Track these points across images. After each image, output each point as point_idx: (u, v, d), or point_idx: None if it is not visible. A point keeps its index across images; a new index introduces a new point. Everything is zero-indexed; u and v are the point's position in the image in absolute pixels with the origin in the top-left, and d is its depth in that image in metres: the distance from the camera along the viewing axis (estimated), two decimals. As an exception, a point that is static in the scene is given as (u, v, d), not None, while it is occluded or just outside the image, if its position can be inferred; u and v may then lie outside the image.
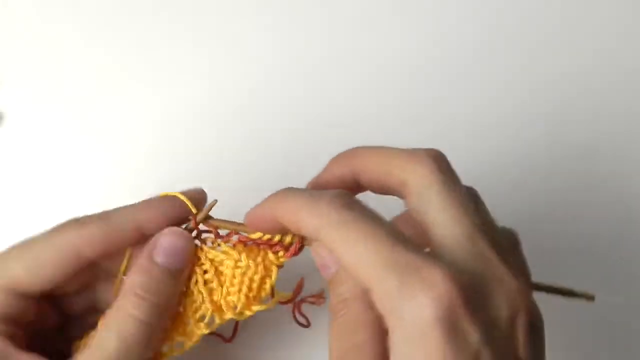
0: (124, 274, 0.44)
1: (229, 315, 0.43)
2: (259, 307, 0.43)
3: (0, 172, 0.60)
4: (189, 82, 0.64)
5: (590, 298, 0.42)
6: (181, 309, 0.43)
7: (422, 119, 0.64)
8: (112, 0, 0.66)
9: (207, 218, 0.44)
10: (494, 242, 0.37)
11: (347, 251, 0.36)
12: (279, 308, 0.44)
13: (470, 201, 0.39)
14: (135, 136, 0.61)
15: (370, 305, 0.37)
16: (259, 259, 0.43)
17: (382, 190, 0.41)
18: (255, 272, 0.42)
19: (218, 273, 0.43)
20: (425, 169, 0.38)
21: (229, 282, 0.43)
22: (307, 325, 0.45)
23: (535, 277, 0.42)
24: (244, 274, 0.42)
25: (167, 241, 0.42)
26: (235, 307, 0.42)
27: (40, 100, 0.62)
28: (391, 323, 0.34)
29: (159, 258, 0.42)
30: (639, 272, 0.60)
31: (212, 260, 0.43)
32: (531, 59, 0.67)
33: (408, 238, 0.36)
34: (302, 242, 0.43)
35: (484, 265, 0.36)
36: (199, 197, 0.45)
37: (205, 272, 0.43)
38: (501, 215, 0.60)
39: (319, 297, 0.44)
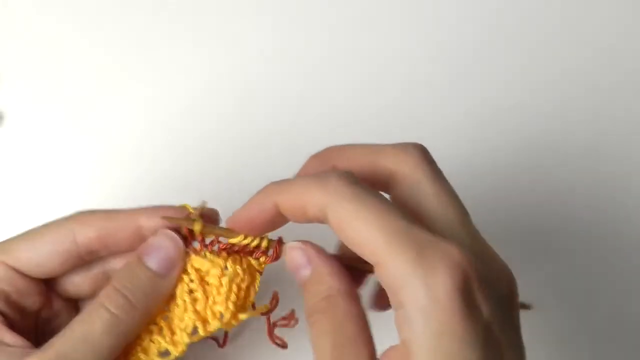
0: None
1: (214, 325, 0.42)
2: (245, 315, 0.42)
3: (0, 172, 0.59)
4: (189, 82, 0.64)
5: (527, 307, 0.43)
6: (170, 316, 0.43)
7: (422, 119, 0.64)
8: (112, 0, 0.66)
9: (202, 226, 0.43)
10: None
11: (359, 224, 0.36)
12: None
13: (454, 189, 0.41)
14: (135, 136, 0.61)
15: (355, 299, 0.38)
16: (245, 266, 0.42)
17: (368, 184, 0.41)
18: (242, 280, 0.42)
19: (203, 283, 0.42)
20: (414, 160, 0.40)
21: (216, 291, 0.42)
22: (285, 346, 0.44)
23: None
24: (231, 281, 0.42)
25: (158, 243, 0.42)
26: (222, 317, 0.42)
27: (40, 100, 0.62)
28: (404, 295, 0.34)
29: (146, 258, 0.42)
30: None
31: (197, 270, 0.42)
32: (531, 58, 0.67)
33: (417, 218, 0.37)
34: (280, 244, 0.42)
35: (479, 245, 0.38)
36: (212, 216, 0.44)
37: (190, 281, 0.42)
38: (501, 212, 0.61)
39: (291, 319, 0.44)
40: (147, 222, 0.43)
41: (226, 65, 0.65)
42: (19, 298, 0.43)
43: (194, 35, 0.66)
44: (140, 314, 0.41)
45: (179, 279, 0.42)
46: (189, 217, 0.43)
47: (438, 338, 0.33)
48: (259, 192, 0.40)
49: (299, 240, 0.41)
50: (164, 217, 0.43)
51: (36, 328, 0.44)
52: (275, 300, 0.44)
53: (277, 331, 0.44)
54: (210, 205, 0.44)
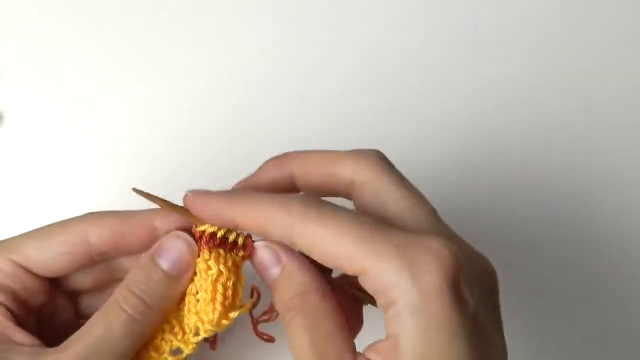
0: None
1: (209, 326, 0.42)
2: (233, 313, 0.42)
3: (1, 172, 0.59)
4: (189, 81, 0.64)
5: None
6: (181, 315, 0.43)
7: (423, 119, 0.64)
8: (112, 1, 0.66)
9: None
10: None
11: (332, 241, 0.36)
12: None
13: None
14: (135, 136, 0.61)
15: (327, 295, 0.38)
16: (229, 263, 0.41)
17: (325, 191, 0.42)
18: (228, 278, 0.41)
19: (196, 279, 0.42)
20: (374, 166, 0.40)
21: (204, 292, 0.41)
22: (272, 340, 0.44)
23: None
24: (215, 281, 0.41)
25: (171, 244, 0.42)
26: (212, 320, 0.41)
27: (40, 100, 0.62)
28: (391, 297, 0.35)
29: (160, 260, 0.42)
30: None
31: (199, 270, 0.42)
32: (531, 58, 0.67)
33: (387, 222, 0.37)
34: (252, 241, 0.42)
35: (453, 241, 0.37)
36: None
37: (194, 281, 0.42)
38: (501, 213, 0.61)
39: (271, 312, 0.43)
40: (162, 224, 0.43)
41: (226, 65, 0.65)
42: (26, 295, 0.43)
43: (194, 35, 0.66)
44: (156, 315, 0.42)
45: (191, 280, 0.42)
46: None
47: (428, 331, 0.34)
48: (220, 198, 0.40)
49: (264, 240, 0.41)
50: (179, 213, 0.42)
51: (37, 323, 0.44)
52: (257, 294, 0.43)
53: (262, 327, 0.44)
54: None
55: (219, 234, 0.41)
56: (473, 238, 0.41)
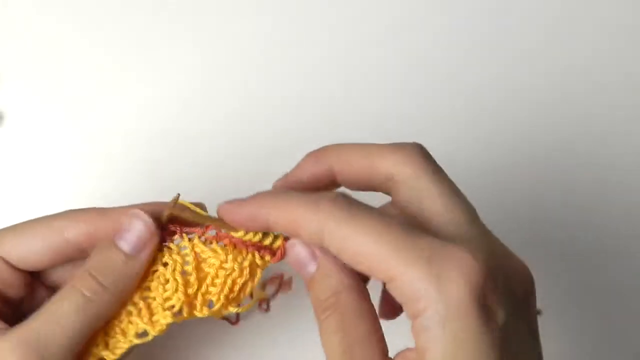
0: None
1: (200, 312, 0.42)
2: (235, 308, 0.42)
3: (1, 172, 0.60)
4: (189, 82, 0.64)
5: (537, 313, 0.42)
6: (151, 296, 0.43)
7: (424, 118, 0.64)
8: (115, 3, 0.66)
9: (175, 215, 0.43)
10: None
11: (360, 247, 0.35)
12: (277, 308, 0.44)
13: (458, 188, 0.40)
14: (136, 136, 0.61)
15: (364, 295, 0.37)
16: (245, 263, 0.42)
17: (363, 186, 0.41)
18: (240, 276, 0.42)
19: (199, 269, 0.42)
20: (413, 161, 0.39)
21: (211, 281, 0.42)
22: (267, 309, 0.45)
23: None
24: (227, 275, 0.42)
25: (128, 224, 0.42)
26: (212, 305, 0.42)
27: (40, 100, 0.62)
28: (419, 308, 0.34)
29: (118, 240, 0.42)
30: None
31: (197, 254, 0.42)
32: (531, 58, 0.67)
33: (418, 226, 0.36)
34: (284, 244, 0.42)
35: (492, 245, 0.37)
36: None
37: (186, 263, 0.42)
38: (502, 212, 0.61)
39: (287, 284, 0.43)
40: None
41: (226, 66, 0.65)
42: (3, 288, 0.43)
43: (194, 35, 0.66)
44: (112, 295, 0.41)
45: (174, 262, 0.42)
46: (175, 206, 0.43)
47: (454, 345, 0.33)
48: (252, 201, 0.40)
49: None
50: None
51: (19, 317, 0.44)
52: (283, 285, 0.45)
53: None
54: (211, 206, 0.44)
55: (255, 239, 0.42)
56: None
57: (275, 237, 0.42)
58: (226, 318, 0.47)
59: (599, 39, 0.68)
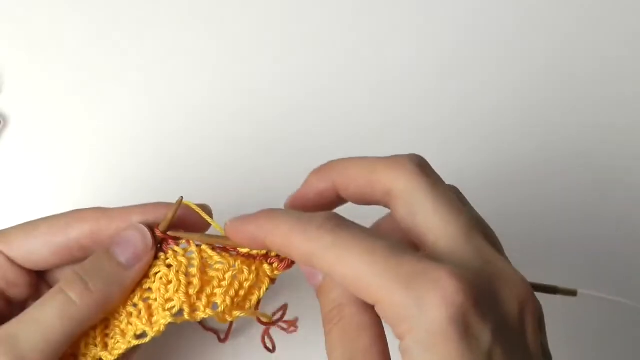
0: None
1: (205, 312, 0.43)
2: (239, 312, 0.43)
3: (5, 174, 0.60)
4: (192, 84, 0.64)
5: (572, 293, 0.42)
6: (152, 297, 0.43)
7: (422, 121, 0.64)
8: (116, 4, 0.66)
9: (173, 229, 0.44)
10: (487, 236, 0.38)
11: (346, 271, 0.35)
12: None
13: (457, 200, 0.39)
14: (139, 138, 0.62)
15: (366, 308, 0.37)
16: (253, 268, 0.43)
17: (366, 201, 0.41)
18: (247, 279, 0.43)
19: (204, 272, 0.43)
20: (409, 175, 0.38)
21: (217, 283, 0.43)
22: (273, 350, 0.45)
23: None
24: (234, 277, 0.42)
25: (127, 235, 0.43)
26: (216, 307, 0.42)
27: (43, 103, 0.62)
28: (402, 330, 0.34)
29: (114, 249, 0.43)
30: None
31: (203, 258, 0.43)
32: (531, 58, 0.67)
33: (404, 245, 0.36)
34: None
35: (485, 260, 0.36)
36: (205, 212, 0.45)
37: (191, 265, 0.43)
38: (503, 214, 0.61)
39: (291, 325, 0.44)
40: (139, 219, 0.44)
41: (228, 69, 0.65)
42: (7, 287, 0.44)
43: (197, 38, 0.66)
44: (98, 301, 0.42)
45: (179, 263, 0.43)
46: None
47: None
48: (252, 222, 0.40)
49: None
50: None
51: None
52: (283, 312, 0.45)
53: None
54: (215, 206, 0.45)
55: (262, 252, 0.43)
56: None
57: None
58: (216, 333, 0.48)
59: (599, 39, 0.68)
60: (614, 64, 0.67)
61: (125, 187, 0.59)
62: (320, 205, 0.42)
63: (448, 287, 0.33)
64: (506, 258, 0.39)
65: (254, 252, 0.43)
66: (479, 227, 0.38)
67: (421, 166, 0.39)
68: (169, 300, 0.43)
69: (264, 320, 0.45)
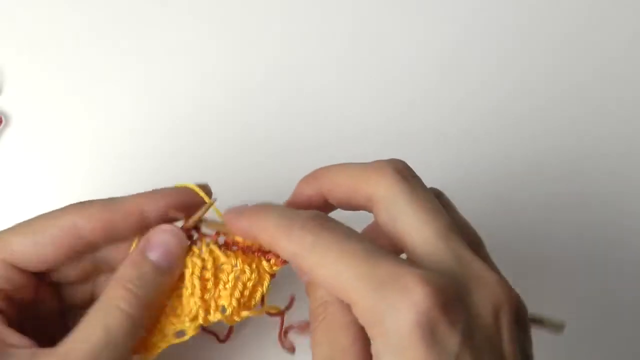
0: None
1: (214, 316, 0.43)
2: (247, 313, 0.43)
3: (7, 174, 0.60)
4: (193, 84, 0.64)
5: (559, 329, 0.41)
6: (179, 303, 0.44)
7: (422, 121, 0.64)
8: (116, 4, 0.66)
9: (201, 220, 0.44)
10: (467, 239, 0.38)
11: (324, 272, 0.36)
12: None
13: (437, 203, 0.39)
14: (141, 137, 0.62)
15: (349, 307, 0.37)
16: (254, 266, 0.43)
17: (351, 206, 0.42)
18: (249, 279, 0.43)
19: (217, 274, 0.44)
20: (389, 181, 0.39)
21: (222, 286, 0.43)
22: (292, 351, 0.45)
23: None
24: (237, 278, 0.43)
25: (160, 238, 0.43)
26: (224, 311, 0.43)
27: (45, 101, 0.63)
28: (373, 334, 0.35)
29: (151, 254, 0.42)
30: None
31: (214, 260, 0.44)
32: (531, 58, 0.67)
33: (382, 249, 0.37)
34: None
35: (460, 263, 0.37)
36: (205, 192, 0.45)
37: (205, 268, 0.44)
38: (504, 219, 0.61)
39: (305, 327, 0.44)
40: (151, 208, 0.43)
41: (228, 68, 0.65)
42: (15, 293, 0.43)
43: (197, 38, 0.66)
44: (149, 309, 0.42)
45: (193, 264, 0.44)
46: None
47: None
48: (246, 215, 0.41)
49: None
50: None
51: (19, 314, 0.44)
52: (290, 303, 0.45)
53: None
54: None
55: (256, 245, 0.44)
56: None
57: None
58: (214, 334, 0.48)
59: (598, 40, 0.68)
60: (613, 64, 0.67)
61: (126, 186, 0.58)
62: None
63: (416, 293, 0.34)
64: (487, 260, 0.40)
65: (254, 246, 0.43)
66: (457, 230, 0.38)
67: (400, 171, 0.40)
68: (187, 304, 0.43)
69: (273, 312, 0.45)
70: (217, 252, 0.44)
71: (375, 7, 0.68)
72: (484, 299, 0.36)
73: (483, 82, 0.66)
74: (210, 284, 0.43)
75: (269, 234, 0.39)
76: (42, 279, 0.45)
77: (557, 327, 0.41)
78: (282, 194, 0.44)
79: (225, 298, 0.43)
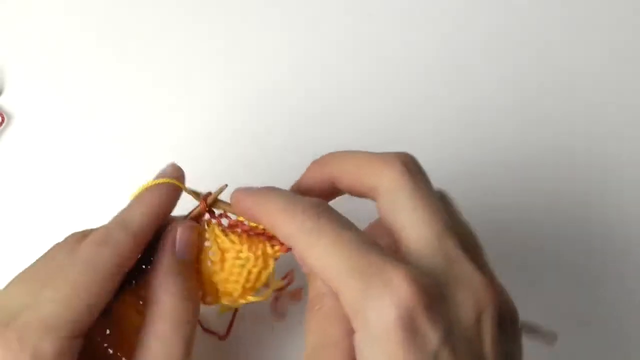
0: None
1: (223, 301, 0.45)
2: (254, 298, 0.44)
3: (9, 173, 0.60)
4: (193, 84, 0.64)
5: (551, 340, 0.41)
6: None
7: (425, 120, 0.64)
8: (116, 3, 0.66)
9: (216, 201, 0.45)
10: (463, 241, 0.38)
11: (315, 258, 0.37)
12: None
13: (439, 202, 0.39)
14: (143, 136, 0.62)
15: None
16: (259, 252, 0.44)
17: (358, 194, 0.42)
18: (254, 265, 0.44)
19: (223, 259, 0.44)
20: (394, 173, 0.39)
21: (228, 272, 0.44)
22: (283, 318, 0.46)
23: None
24: (243, 266, 0.44)
25: (186, 236, 0.43)
26: (231, 295, 0.44)
27: (47, 101, 0.63)
28: (356, 325, 0.35)
29: (181, 255, 0.43)
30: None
31: (219, 245, 0.44)
32: (529, 59, 0.67)
33: (375, 242, 0.37)
34: None
35: (449, 264, 0.37)
36: (180, 175, 0.46)
37: (212, 253, 0.44)
38: (505, 218, 0.61)
39: (297, 294, 0.45)
40: (164, 217, 0.44)
41: (228, 68, 0.65)
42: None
43: (197, 37, 0.66)
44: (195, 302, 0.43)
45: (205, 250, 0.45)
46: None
47: None
48: (250, 197, 0.41)
49: None
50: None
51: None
52: (290, 277, 0.46)
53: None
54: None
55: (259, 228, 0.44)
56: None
57: None
58: (214, 333, 0.49)
59: (598, 40, 0.68)
60: (614, 64, 0.67)
61: (127, 185, 0.59)
62: (319, 195, 0.43)
63: (400, 287, 0.34)
64: (481, 264, 0.39)
65: (259, 229, 0.44)
66: (453, 231, 0.38)
67: (407, 165, 0.39)
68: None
69: (277, 287, 0.46)
70: (222, 237, 0.44)
71: (375, 7, 0.68)
72: (467, 302, 0.36)
73: (489, 82, 0.66)
74: (218, 268, 0.44)
75: (271, 215, 0.39)
76: None
77: (549, 338, 0.41)
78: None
79: (232, 283, 0.44)
